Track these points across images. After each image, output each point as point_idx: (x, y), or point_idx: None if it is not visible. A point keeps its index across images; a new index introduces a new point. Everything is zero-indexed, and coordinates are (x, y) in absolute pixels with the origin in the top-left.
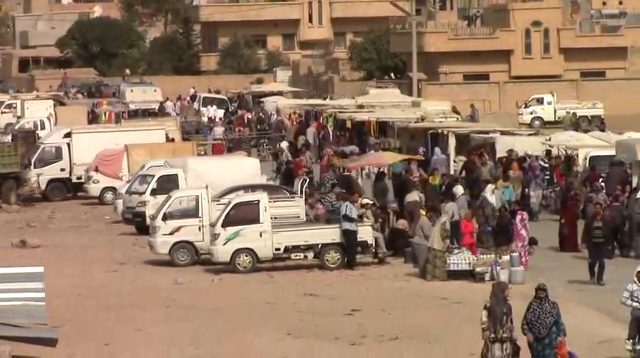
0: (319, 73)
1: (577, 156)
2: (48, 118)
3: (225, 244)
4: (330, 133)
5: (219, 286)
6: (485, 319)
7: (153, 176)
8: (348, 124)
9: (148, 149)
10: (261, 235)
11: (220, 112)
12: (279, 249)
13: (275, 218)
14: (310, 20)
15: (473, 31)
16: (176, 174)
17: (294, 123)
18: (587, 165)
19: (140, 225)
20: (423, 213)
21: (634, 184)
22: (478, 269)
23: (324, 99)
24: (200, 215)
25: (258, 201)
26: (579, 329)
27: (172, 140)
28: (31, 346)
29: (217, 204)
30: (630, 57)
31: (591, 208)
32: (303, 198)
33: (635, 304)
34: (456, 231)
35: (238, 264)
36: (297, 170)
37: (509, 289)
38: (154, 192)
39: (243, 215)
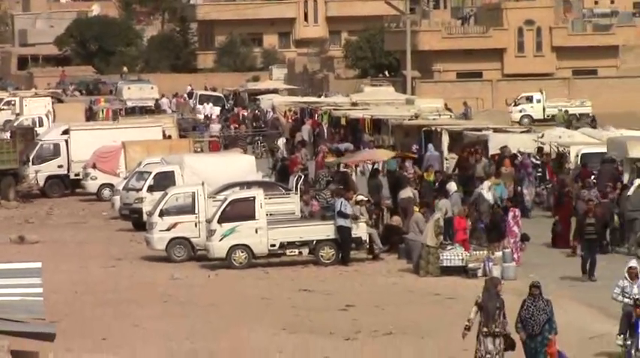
0: (314, 70)
1: (569, 153)
2: (46, 115)
3: (221, 240)
4: (325, 131)
5: (215, 282)
6: (473, 315)
7: (150, 173)
8: (343, 122)
9: (145, 146)
10: (256, 231)
11: (216, 110)
12: (274, 245)
13: (270, 214)
14: (306, 19)
15: (466, 29)
16: (173, 171)
17: (290, 120)
18: (579, 162)
19: (137, 221)
20: (417, 209)
21: (625, 181)
22: (471, 265)
23: (319, 96)
24: (196, 211)
25: (254, 197)
26: (571, 324)
27: (169, 137)
28: (29, 341)
29: (213, 201)
30: (621, 55)
31: (581, 205)
32: (298, 195)
33: (626, 300)
34: (449, 227)
35: (234, 259)
36: (292, 167)
37: (502, 284)
38: (150, 189)
39: (239, 211)
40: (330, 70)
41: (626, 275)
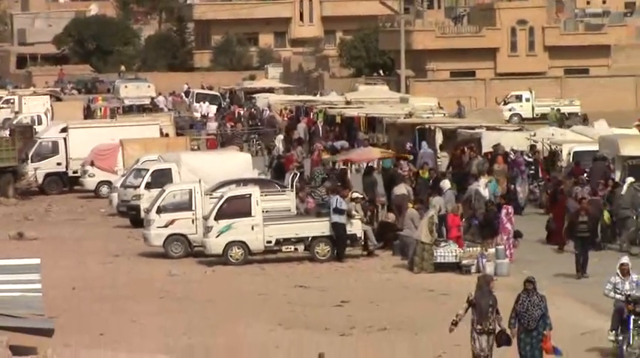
0: (310, 69)
1: (561, 151)
2: (45, 114)
3: (217, 237)
4: (320, 129)
5: (211, 278)
6: (462, 312)
7: (147, 170)
8: (338, 120)
9: (142, 144)
10: (252, 228)
11: (213, 108)
12: (270, 242)
13: (266, 211)
14: (301, 18)
15: (460, 29)
16: (170, 169)
17: (285, 118)
18: (571, 160)
19: (135, 218)
20: (411, 205)
21: (616, 179)
22: (464, 261)
23: (315, 95)
24: (193, 208)
25: (250, 194)
26: (563, 320)
27: (166, 135)
28: (28, 336)
29: (210, 198)
30: (613, 55)
31: (572, 202)
32: (294, 192)
33: (617, 296)
34: (441, 224)
35: (231, 256)
36: (288, 164)
37: (494, 281)
38: (148, 186)
39: (236, 208)
40: (325, 69)
41: (618, 271)
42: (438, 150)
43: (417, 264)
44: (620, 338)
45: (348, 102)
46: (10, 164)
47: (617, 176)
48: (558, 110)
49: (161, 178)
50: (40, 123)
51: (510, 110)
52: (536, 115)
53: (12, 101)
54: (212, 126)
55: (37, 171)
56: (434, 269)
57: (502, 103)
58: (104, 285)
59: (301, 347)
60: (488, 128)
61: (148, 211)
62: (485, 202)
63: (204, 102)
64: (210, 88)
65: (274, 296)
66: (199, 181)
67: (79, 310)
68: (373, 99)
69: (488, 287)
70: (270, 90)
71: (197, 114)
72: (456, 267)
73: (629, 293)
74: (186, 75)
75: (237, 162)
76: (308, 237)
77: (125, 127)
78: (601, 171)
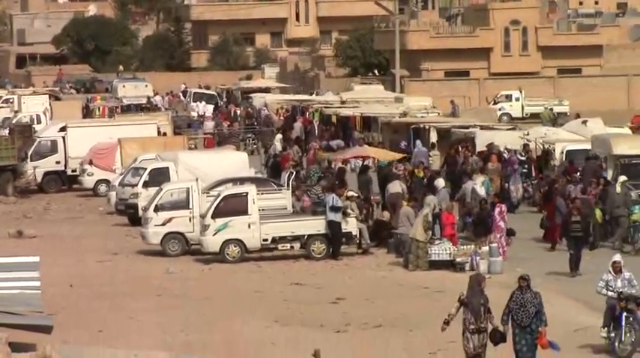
0: (306, 69)
1: (554, 150)
2: (44, 113)
3: (214, 235)
4: (316, 128)
5: (208, 275)
6: (454, 311)
7: (145, 169)
8: (334, 119)
9: (140, 143)
10: (249, 226)
11: (210, 107)
12: (266, 240)
13: (263, 210)
14: (297, 19)
15: (454, 29)
16: (167, 167)
17: (281, 118)
18: (564, 158)
19: (133, 216)
20: (405, 203)
21: (609, 178)
22: (458, 259)
23: (311, 95)
24: (190, 206)
25: (247, 193)
26: (556, 317)
27: (164, 134)
28: (27, 333)
29: (207, 196)
30: (605, 54)
31: (560, 202)
32: (290, 191)
33: (610, 293)
34: (437, 222)
35: (227, 254)
36: (284, 163)
37: (486, 281)
38: (146, 185)
39: (232, 207)
40: (320, 68)
41: (611, 269)
42: (430, 148)
43: (412, 261)
44: (613, 334)
45: (343, 102)
46: (9, 163)
47: (610, 174)
48: (551, 109)
49: (159, 177)
50: (39, 122)
51: (500, 109)
52: (526, 115)
53: (11, 100)
54: (209, 125)
55: (36, 169)
56: (428, 266)
57: (492, 103)
58: (102, 283)
59: (297, 343)
60: (482, 127)
61: (145, 209)
62: (479, 201)
63: (200, 102)
64: (208, 88)
65: (270, 293)
66: (196, 180)
67: (77, 307)
68: (368, 98)
69: (479, 286)
70: (267, 89)
71: (194, 114)
72: (450, 265)
73: (621, 290)
74: (183, 75)
75: (233, 161)
76: (304, 235)
77: (123, 126)
78: (593, 169)
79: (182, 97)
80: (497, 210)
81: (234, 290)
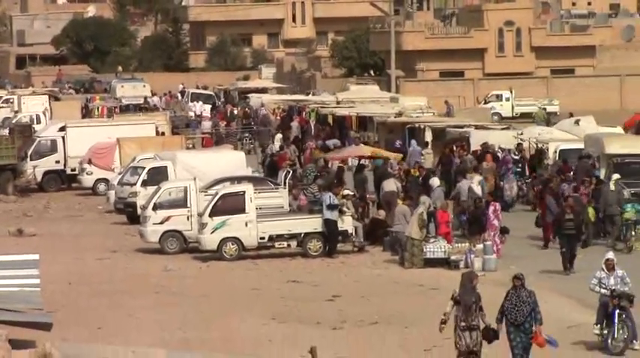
0: (302, 70)
1: (547, 149)
2: (44, 113)
3: (212, 233)
4: (313, 128)
5: (206, 273)
6: (449, 309)
7: (143, 168)
8: (330, 119)
9: (138, 142)
10: (246, 224)
11: (207, 107)
12: (263, 238)
13: (260, 208)
14: (294, 20)
15: (448, 30)
16: (165, 166)
17: (278, 117)
18: (557, 158)
19: (131, 214)
20: (401, 202)
21: (601, 176)
22: (453, 257)
23: (307, 95)
24: (188, 205)
25: (244, 192)
26: (550, 314)
27: (162, 134)
28: (26, 330)
29: (205, 195)
30: (598, 55)
31: (550, 200)
32: (287, 190)
33: (602, 291)
34: (432, 220)
35: (225, 252)
36: (281, 162)
37: (478, 278)
38: (144, 184)
39: (230, 205)
40: (317, 69)
41: (604, 267)
42: (425, 148)
43: (407, 259)
44: (605, 331)
45: (339, 102)
46: (9, 162)
47: (602, 173)
48: (544, 109)
49: (157, 176)
50: (39, 122)
51: (491, 109)
52: (516, 114)
53: (11, 101)
54: (206, 125)
55: (35, 168)
56: (423, 264)
57: (483, 102)
58: (101, 280)
59: (294, 340)
60: (477, 127)
61: (144, 208)
62: (474, 199)
63: (197, 102)
64: (205, 88)
65: (267, 291)
66: (194, 179)
67: (76, 305)
68: (364, 98)
69: (471, 284)
70: (264, 90)
71: (191, 114)
72: (445, 263)
73: (613, 287)
74: (181, 75)
75: (231, 161)
76: (300, 233)
77: (122, 126)
78: (585, 168)
79: (180, 97)
80: (491, 208)
81: (231, 287)
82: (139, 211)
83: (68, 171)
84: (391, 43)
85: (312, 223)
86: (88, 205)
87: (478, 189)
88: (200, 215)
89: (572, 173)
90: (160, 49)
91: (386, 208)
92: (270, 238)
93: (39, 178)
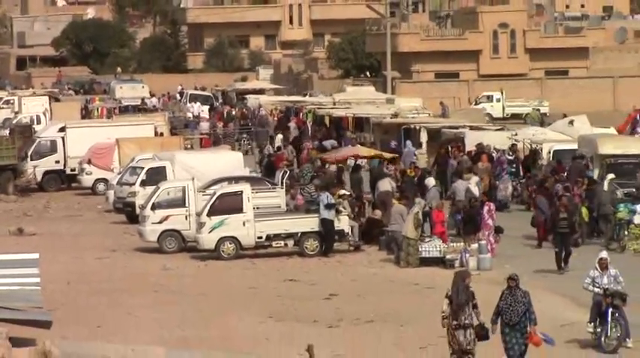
0: (299, 71)
1: (541, 150)
2: (44, 113)
3: (210, 232)
4: (310, 128)
5: (204, 272)
6: (446, 307)
7: (142, 168)
8: (327, 120)
9: (137, 143)
10: (244, 224)
11: (205, 108)
12: (261, 237)
13: (257, 208)
14: (291, 22)
15: (443, 32)
16: (164, 167)
17: (276, 118)
18: (552, 158)
19: (130, 214)
20: (396, 202)
21: (595, 177)
22: (448, 256)
23: (304, 96)
24: (187, 205)
25: (242, 191)
26: (544, 313)
27: (161, 134)
28: (26, 328)
29: (203, 195)
30: (591, 57)
31: (541, 200)
32: (284, 190)
33: (596, 289)
34: (427, 220)
35: (223, 251)
36: (278, 163)
37: (471, 277)
38: (143, 183)
39: (228, 205)
40: (314, 70)
41: (597, 266)
42: (420, 148)
43: (403, 258)
44: (599, 329)
45: (335, 103)
46: (10, 162)
47: (596, 174)
48: (538, 110)
49: (156, 176)
50: (39, 122)
51: (482, 110)
52: (507, 115)
53: (12, 102)
54: (204, 125)
55: (36, 169)
56: (419, 263)
57: (474, 103)
58: (101, 279)
59: (291, 338)
60: (472, 127)
61: (143, 208)
62: (469, 199)
63: (195, 103)
64: (203, 89)
65: (265, 289)
66: (192, 179)
67: (76, 303)
68: (360, 99)
69: (464, 283)
70: (261, 91)
71: (189, 114)
72: (441, 262)
73: (606, 286)
74: (180, 76)
75: (229, 161)
76: (297, 233)
77: (121, 127)
78: (579, 169)
79: (179, 98)
80: (485, 208)
81: (229, 286)
82: (137, 211)
83: (68, 171)
84: (387, 44)
85: (308, 223)
86: (87, 205)
87: (476, 190)
88: (198, 214)
89: (565, 173)
90: (159, 50)
91: (381, 208)
92: (268, 237)
93: (39, 178)
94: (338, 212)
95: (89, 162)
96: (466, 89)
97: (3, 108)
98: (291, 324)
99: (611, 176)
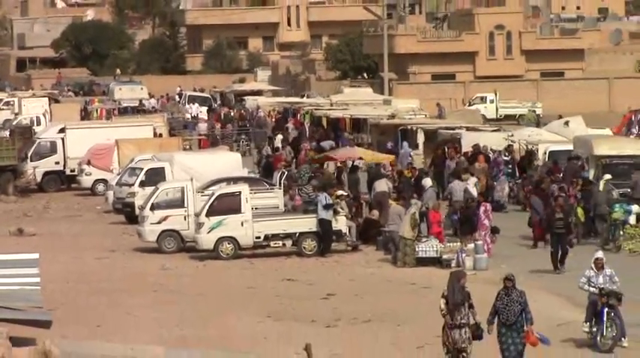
0: (297, 73)
1: (537, 150)
2: (43, 115)
3: (209, 232)
4: (307, 130)
5: (203, 272)
6: (444, 306)
7: (141, 169)
8: (324, 121)
9: (137, 144)
10: (242, 224)
11: (203, 109)
12: (259, 238)
13: (255, 208)
14: (289, 23)
15: (440, 33)
16: (163, 167)
17: (274, 119)
18: (547, 159)
19: (129, 214)
20: (393, 202)
21: (590, 177)
22: (445, 256)
23: (302, 97)
24: (185, 205)
25: (240, 192)
26: (540, 312)
27: (160, 135)
28: (27, 328)
29: (202, 195)
30: (587, 58)
31: (535, 200)
32: (282, 190)
33: (592, 289)
34: (424, 220)
35: (221, 251)
36: (276, 163)
37: (466, 277)
38: (142, 184)
39: (226, 205)
40: (311, 72)
41: (593, 265)
42: (416, 150)
43: (400, 258)
44: (594, 329)
45: (333, 104)
46: (10, 163)
47: (591, 174)
48: (534, 111)
49: (155, 177)
50: (39, 124)
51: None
52: (500, 116)
53: (12, 103)
54: (203, 126)
55: (35, 169)
56: (416, 263)
57: (467, 104)
58: (100, 279)
59: (289, 337)
60: (468, 128)
61: (142, 208)
62: (466, 199)
63: (194, 104)
64: (202, 90)
65: (263, 289)
66: (191, 179)
67: (76, 303)
68: (357, 101)
69: (459, 283)
70: (259, 92)
71: (188, 116)
72: (437, 262)
73: (602, 286)
74: (179, 78)
75: (227, 162)
76: (295, 233)
77: (120, 128)
78: (574, 170)
79: (177, 99)
80: (482, 208)
81: (227, 286)
82: (137, 211)
83: (67, 172)
84: (384, 46)
85: (306, 223)
86: (86, 205)
87: (474, 191)
88: (197, 215)
89: (561, 174)
90: (158, 52)
91: (377, 208)
92: (266, 237)
93: (39, 179)
94: (336, 212)
95: (89, 162)
96: (462, 91)
97: (3, 109)
98: (289, 324)
99: (607, 176)
